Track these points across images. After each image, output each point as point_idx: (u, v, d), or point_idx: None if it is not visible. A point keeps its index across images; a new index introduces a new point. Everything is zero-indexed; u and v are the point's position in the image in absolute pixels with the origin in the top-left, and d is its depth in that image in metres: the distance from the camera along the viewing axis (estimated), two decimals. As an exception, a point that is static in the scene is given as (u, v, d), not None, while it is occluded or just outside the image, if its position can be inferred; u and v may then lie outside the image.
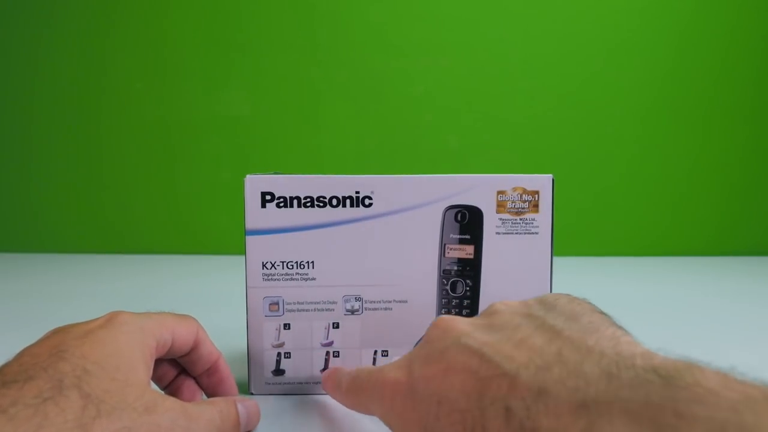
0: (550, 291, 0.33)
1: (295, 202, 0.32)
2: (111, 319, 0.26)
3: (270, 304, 0.33)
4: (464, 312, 0.33)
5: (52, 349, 0.23)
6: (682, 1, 0.89)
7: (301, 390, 0.34)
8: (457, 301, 0.33)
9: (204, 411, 0.26)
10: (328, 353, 0.33)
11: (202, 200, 0.90)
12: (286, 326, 0.33)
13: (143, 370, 0.25)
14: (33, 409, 0.20)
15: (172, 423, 0.24)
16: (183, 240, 0.90)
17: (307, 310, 0.33)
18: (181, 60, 0.90)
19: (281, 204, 0.32)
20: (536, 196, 0.33)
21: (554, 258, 0.33)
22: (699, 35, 0.89)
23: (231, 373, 0.31)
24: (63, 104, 0.91)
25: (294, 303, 0.33)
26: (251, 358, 0.33)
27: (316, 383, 0.34)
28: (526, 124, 0.91)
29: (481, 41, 0.90)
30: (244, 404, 0.28)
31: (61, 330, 0.25)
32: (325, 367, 0.34)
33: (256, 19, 0.89)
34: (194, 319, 0.30)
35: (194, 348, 0.30)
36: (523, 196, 0.33)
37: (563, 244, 0.75)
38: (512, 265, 0.33)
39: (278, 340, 0.33)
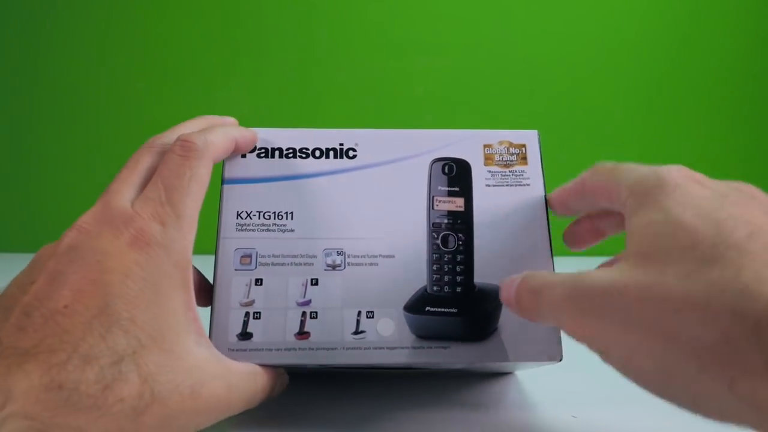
0: (549, 244, 0.32)
1: (277, 153, 0.32)
2: (138, 241, 0.23)
3: (242, 257, 0.31)
4: (458, 268, 0.31)
5: (96, 299, 0.21)
6: (683, 1, 0.89)
7: (270, 359, 0.28)
8: (450, 256, 0.31)
9: (247, 388, 0.25)
10: (304, 314, 0.29)
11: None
12: (258, 282, 0.30)
13: (189, 326, 0.23)
14: (93, 400, 0.19)
15: (211, 410, 0.23)
16: (181, 240, 0.89)
17: (282, 264, 0.30)
18: (181, 60, 0.90)
19: (262, 154, 0.32)
20: (523, 149, 0.33)
21: (554, 258, 0.32)
22: (699, 35, 0.89)
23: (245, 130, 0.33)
24: (63, 104, 0.92)
25: (269, 256, 0.30)
26: (214, 317, 0.29)
27: (289, 350, 0.29)
28: (526, 124, 0.90)
29: (481, 41, 0.90)
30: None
31: (85, 248, 0.23)
32: (300, 331, 0.29)
33: (256, 19, 0.90)
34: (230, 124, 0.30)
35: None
36: (510, 149, 0.33)
37: (563, 244, 0.73)
38: (506, 218, 0.32)
39: (248, 297, 0.30)
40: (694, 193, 0.21)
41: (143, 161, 0.28)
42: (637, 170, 0.25)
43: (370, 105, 0.91)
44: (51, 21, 0.91)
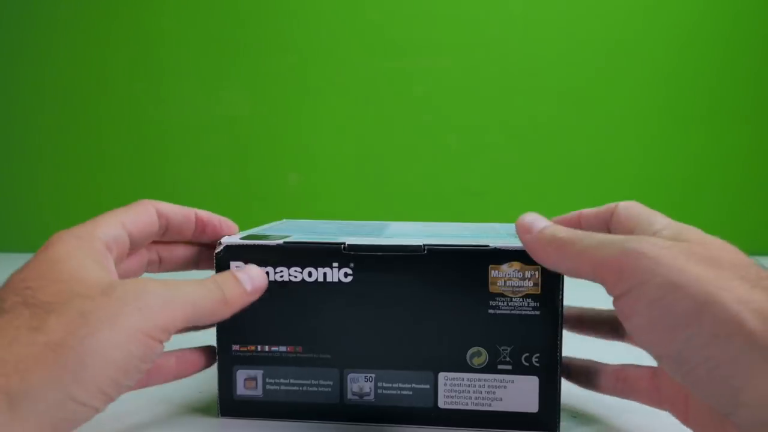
0: None
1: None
2: (48, 242, 0.24)
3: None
4: None
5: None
6: (684, 1, 0.88)
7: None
8: None
9: (186, 281, 0.24)
10: None
11: (202, 200, 0.90)
12: None
13: (96, 269, 0.23)
14: None
15: (140, 292, 0.22)
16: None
17: None
18: (181, 60, 0.90)
19: None
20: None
21: None
22: (700, 35, 0.89)
23: (217, 215, 0.31)
24: (63, 104, 0.92)
25: None
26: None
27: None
28: (526, 124, 0.90)
29: (481, 41, 0.90)
30: (242, 270, 0.27)
31: None
32: None
33: (256, 19, 0.90)
34: (147, 200, 0.29)
35: (163, 222, 0.29)
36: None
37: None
38: None
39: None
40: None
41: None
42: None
43: (370, 105, 0.91)
44: (51, 21, 0.91)
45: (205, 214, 0.31)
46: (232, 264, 0.30)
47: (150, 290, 0.22)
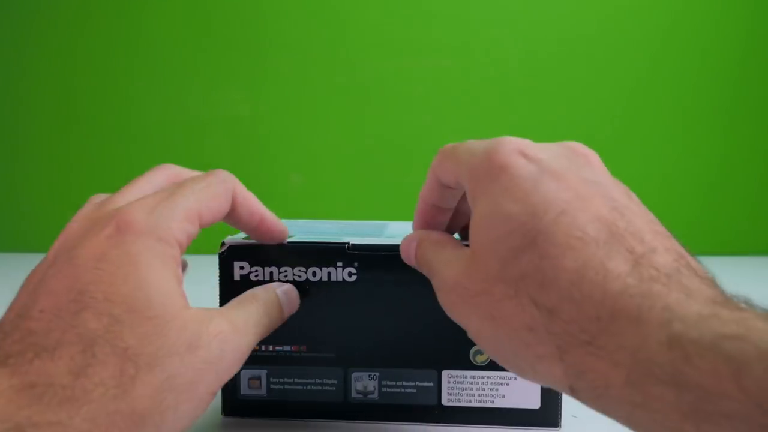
0: None
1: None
2: (120, 229, 0.22)
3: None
4: None
5: (70, 292, 0.20)
6: (684, 1, 0.89)
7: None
8: None
9: (250, 316, 0.24)
10: None
11: (201, 200, 0.90)
12: None
13: (175, 291, 0.22)
14: (70, 391, 0.18)
15: (221, 352, 0.22)
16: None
17: None
18: (181, 60, 0.90)
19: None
20: None
21: None
22: (699, 35, 0.89)
23: (278, 221, 0.29)
24: (62, 104, 0.92)
25: None
26: None
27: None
28: (526, 124, 0.90)
29: (481, 41, 0.90)
30: (282, 290, 0.27)
31: (66, 251, 0.22)
32: None
33: (256, 19, 0.90)
34: (226, 181, 0.26)
35: (229, 216, 0.27)
36: None
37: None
38: None
39: None
40: (517, 173, 0.22)
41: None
42: (472, 153, 0.24)
43: (370, 105, 0.91)
44: (51, 21, 0.91)
45: (271, 220, 0.28)
46: (236, 264, 0.30)
47: (228, 348, 0.22)
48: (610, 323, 0.17)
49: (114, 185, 0.27)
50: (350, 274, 0.30)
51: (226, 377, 0.22)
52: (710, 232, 0.90)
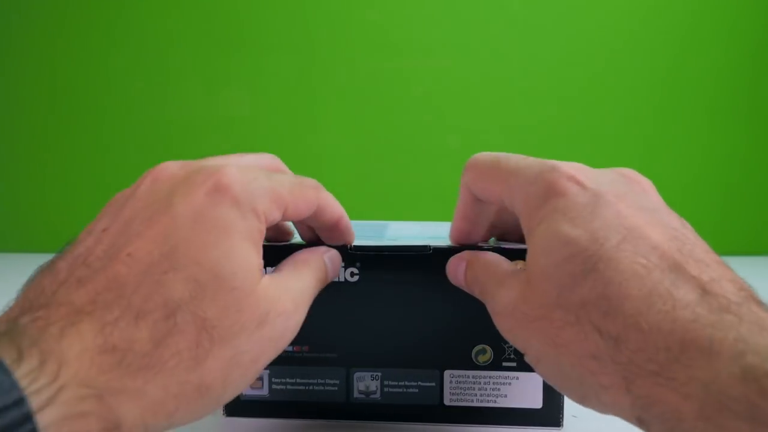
0: None
1: None
2: (218, 189, 0.21)
3: None
4: None
5: (164, 245, 0.20)
6: (684, 1, 0.89)
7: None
8: None
9: (306, 289, 0.24)
10: None
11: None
12: None
13: (258, 266, 0.22)
14: (148, 359, 0.18)
15: (284, 330, 0.22)
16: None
17: None
18: (181, 60, 0.90)
19: None
20: None
21: None
22: (699, 35, 0.89)
23: (350, 227, 0.28)
24: (63, 104, 0.92)
25: None
26: None
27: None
28: (526, 124, 0.90)
29: (481, 41, 0.90)
30: (329, 255, 0.27)
31: (165, 196, 0.21)
32: None
33: (256, 19, 0.90)
34: (317, 188, 0.26)
35: (309, 217, 0.26)
36: None
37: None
38: None
39: None
40: (576, 199, 0.21)
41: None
42: (524, 177, 0.23)
43: (370, 105, 0.91)
44: (51, 21, 0.91)
45: (344, 225, 0.28)
46: None
47: (289, 326, 0.23)
48: (680, 354, 0.17)
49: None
50: (352, 275, 0.29)
51: (279, 353, 0.23)
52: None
